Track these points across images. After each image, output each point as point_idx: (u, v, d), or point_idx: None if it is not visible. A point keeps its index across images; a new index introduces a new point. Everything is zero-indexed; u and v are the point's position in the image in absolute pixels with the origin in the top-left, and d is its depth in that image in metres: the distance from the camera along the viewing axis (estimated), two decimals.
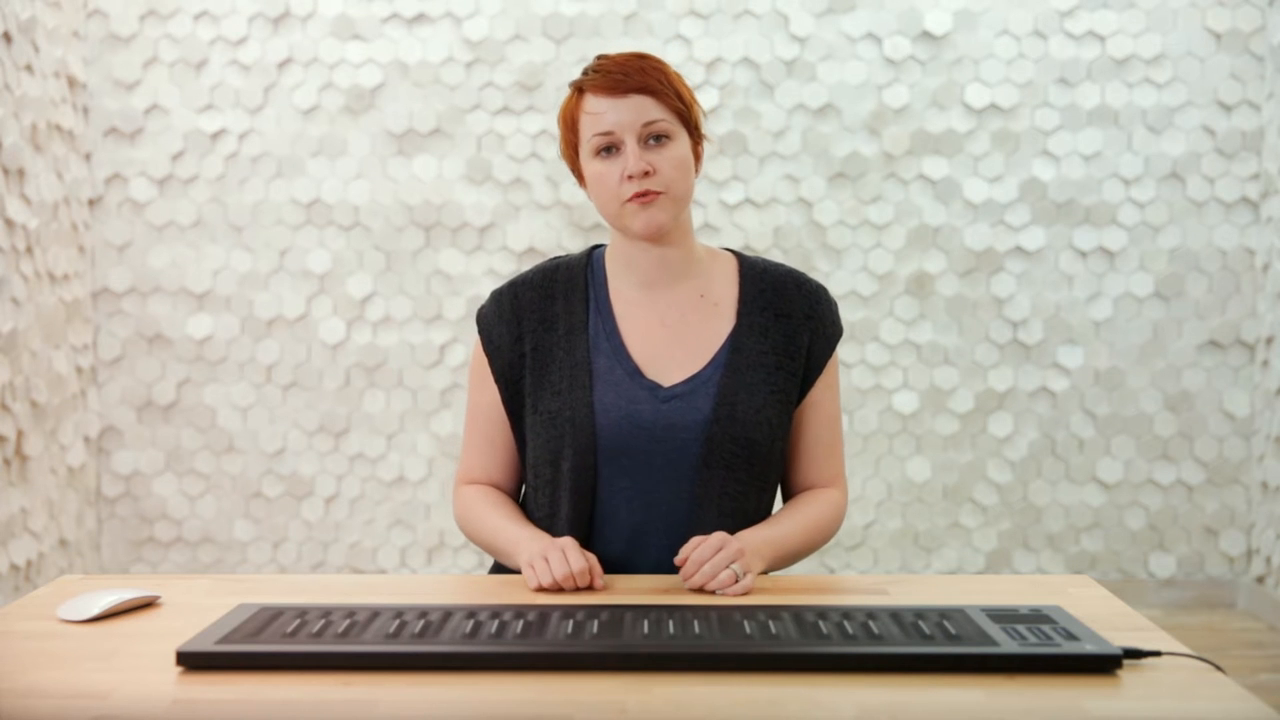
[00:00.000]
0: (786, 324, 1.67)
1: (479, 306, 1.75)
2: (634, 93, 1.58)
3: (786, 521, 1.64)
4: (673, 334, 1.66)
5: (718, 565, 1.46)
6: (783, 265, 1.73)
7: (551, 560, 1.48)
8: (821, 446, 1.71)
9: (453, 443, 3.87)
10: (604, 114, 1.59)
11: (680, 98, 1.62)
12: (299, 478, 3.89)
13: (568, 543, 1.51)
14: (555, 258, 1.75)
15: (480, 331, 1.72)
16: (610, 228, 1.67)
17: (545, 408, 1.64)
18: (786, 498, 1.74)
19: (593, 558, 1.51)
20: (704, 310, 1.67)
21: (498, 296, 1.72)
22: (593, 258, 1.73)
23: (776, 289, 1.69)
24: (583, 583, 1.48)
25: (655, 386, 1.63)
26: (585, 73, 1.64)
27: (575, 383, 1.63)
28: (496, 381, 1.69)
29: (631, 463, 1.61)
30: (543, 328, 1.67)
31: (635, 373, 1.63)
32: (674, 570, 1.61)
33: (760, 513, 1.67)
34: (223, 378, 3.87)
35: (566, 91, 4.03)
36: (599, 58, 1.64)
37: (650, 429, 1.60)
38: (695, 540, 1.50)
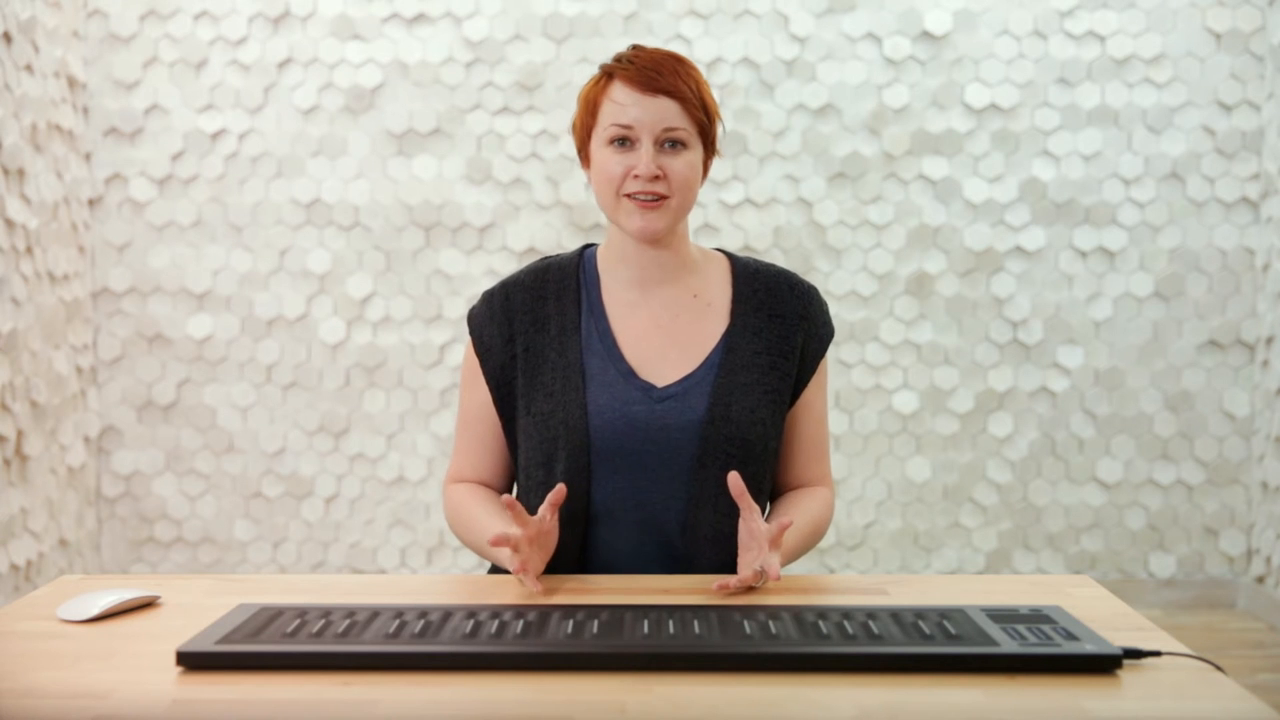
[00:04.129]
0: (780, 324, 1.67)
1: (470, 306, 1.74)
2: (662, 94, 1.57)
3: (806, 518, 1.63)
4: (666, 334, 1.65)
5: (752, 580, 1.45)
6: (774, 265, 1.72)
7: (507, 557, 1.47)
8: (812, 446, 1.71)
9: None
10: (628, 107, 1.58)
11: (705, 109, 1.61)
12: (299, 478, 3.89)
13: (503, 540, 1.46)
14: (546, 257, 1.74)
15: (471, 332, 1.71)
16: (608, 223, 1.66)
17: (538, 409, 1.63)
18: (774, 495, 1.73)
19: (522, 518, 1.46)
20: (697, 310, 1.67)
21: (489, 297, 1.71)
22: (584, 257, 1.72)
23: (770, 289, 1.68)
24: (529, 535, 1.45)
25: (649, 387, 1.62)
26: (618, 59, 1.62)
27: (568, 384, 1.62)
28: (488, 382, 1.68)
29: (626, 463, 1.60)
30: (534, 329, 1.66)
31: (629, 374, 1.62)
32: (671, 572, 1.60)
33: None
34: (223, 378, 3.87)
35: (566, 91, 4.04)
36: (634, 48, 1.63)
37: (645, 429, 1.59)
38: (758, 573, 1.45)
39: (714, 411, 1.60)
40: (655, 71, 1.58)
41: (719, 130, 1.65)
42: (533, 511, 1.61)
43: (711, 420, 1.60)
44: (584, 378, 1.62)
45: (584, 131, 1.64)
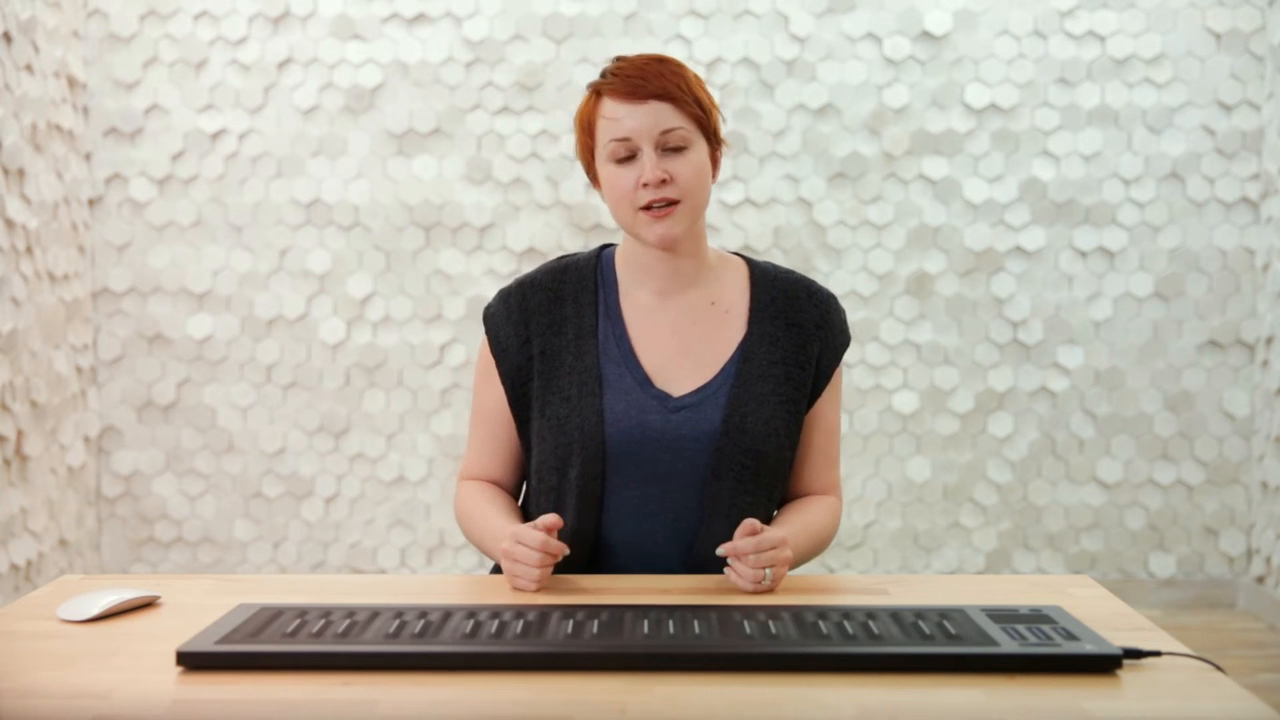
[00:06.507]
0: (797, 334, 1.66)
1: (486, 305, 1.72)
2: (652, 99, 1.56)
3: (806, 523, 1.63)
4: (683, 342, 1.64)
5: (760, 561, 1.44)
6: (793, 272, 1.71)
7: (519, 571, 1.46)
8: (823, 456, 1.71)
9: (453, 443, 3.87)
10: (621, 120, 1.57)
11: (700, 104, 1.59)
12: (299, 478, 3.89)
13: (521, 549, 1.46)
14: (563, 257, 1.73)
15: (487, 331, 1.69)
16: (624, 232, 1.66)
17: (554, 413, 1.62)
18: (782, 502, 1.72)
19: (539, 536, 1.45)
20: (714, 318, 1.66)
21: (505, 296, 1.69)
22: (602, 258, 1.70)
23: (788, 297, 1.67)
24: (552, 552, 1.45)
25: (665, 396, 1.61)
26: (603, 75, 1.61)
27: (584, 390, 1.61)
28: (503, 382, 1.67)
29: (640, 472, 1.59)
30: (551, 331, 1.65)
31: (645, 381, 1.62)
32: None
33: (768, 523, 1.65)
34: (223, 378, 3.87)
35: (566, 91, 4.04)
36: (617, 59, 1.62)
37: (659, 439, 1.59)
38: (754, 531, 1.45)
39: (729, 423, 1.59)
40: (641, 79, 1.57)
41: (719, 121, 1.63)
42: (541, 511, 1.64)
43: (726, 432, 1.59)
44: (600, 384, 1.61)
45: (587, 154, 1.64)
